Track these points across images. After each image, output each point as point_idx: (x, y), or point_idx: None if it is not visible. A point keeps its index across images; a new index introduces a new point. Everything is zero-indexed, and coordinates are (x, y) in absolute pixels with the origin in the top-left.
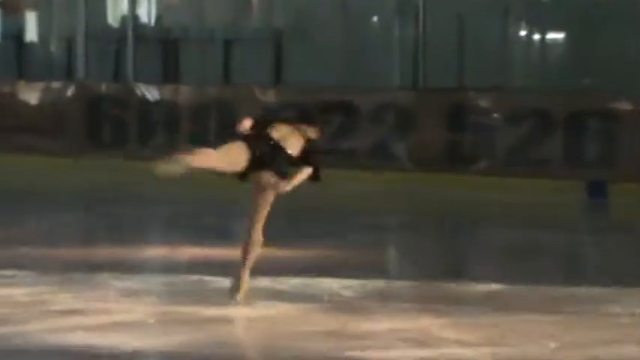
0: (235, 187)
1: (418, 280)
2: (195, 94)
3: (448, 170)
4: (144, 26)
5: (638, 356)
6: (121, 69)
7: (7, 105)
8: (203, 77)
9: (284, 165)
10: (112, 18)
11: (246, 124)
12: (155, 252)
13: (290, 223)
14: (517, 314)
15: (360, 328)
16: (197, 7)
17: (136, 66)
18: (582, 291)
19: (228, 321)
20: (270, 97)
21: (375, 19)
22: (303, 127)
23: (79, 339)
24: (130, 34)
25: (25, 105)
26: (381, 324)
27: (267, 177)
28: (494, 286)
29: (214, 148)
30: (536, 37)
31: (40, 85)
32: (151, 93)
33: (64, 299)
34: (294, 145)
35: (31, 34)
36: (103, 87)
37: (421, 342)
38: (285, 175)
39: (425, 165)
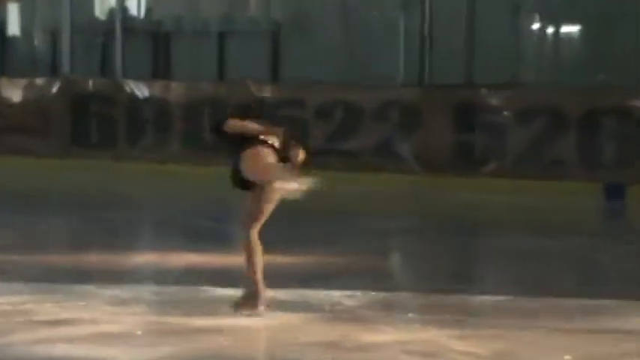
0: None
1: (424, 288)
2: (187, 90)
3: (456, 172)
4: (133, 18)
5: None
6: (108, 64)
7: None
8: (196, 73)
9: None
10: (99, 10)
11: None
12: (145, 258)
13: (290, 227)
14: (528, 325)
15: (363, 339)
16: None
17: (125, 61)
18: (597, 301)
19: (220, 332)
20: (266, 93)
21: (378, 11)
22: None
23: (63, 351)
24: (118, 26)
25: (7, 103)
26: (384, 335)
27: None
28: (504, 296)
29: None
30: (550, 30)
31: (23, 81)
32: (141, 90)
33: (49, 309)
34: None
35: (14, 27)
36: (90, 83)
37: (427, 354)
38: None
39: (431, 166)
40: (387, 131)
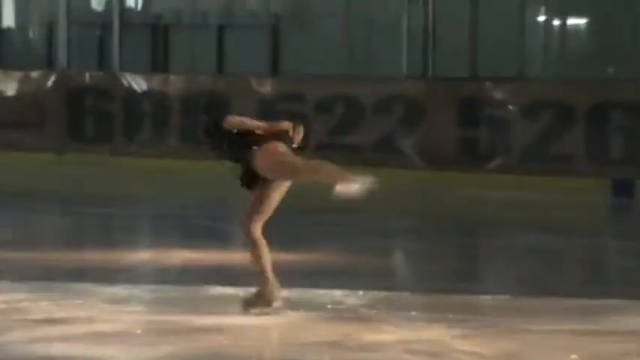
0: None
1: (427, 287)
2: (186, 84)
3: (460, 167)
4: (130, 11)
5: None
6: (105, 57)
7: None
8: (194, 66)
9: None
10: (96, 2)
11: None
12: (143, 256)
13: (292, 225)
14: (534, 325)
15: (365, 338)
16: None
17: (122, 54)
18: (602, 300)
19: (221, 331)
20: (266, 87)
21: (380, 2)
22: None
23: (59, 350)
24: (115, 19)
25: (2, 96)
26: (387, 334)
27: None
28: (510, 295)
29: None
30: (556, 22)
31: (18, 74)
32: (139, 83)
33: (45, 307)
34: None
35: (8, 19)
36: (87, 77)
37: (431, 354)
38: None
39: (435, 162)
40: (390, 126)
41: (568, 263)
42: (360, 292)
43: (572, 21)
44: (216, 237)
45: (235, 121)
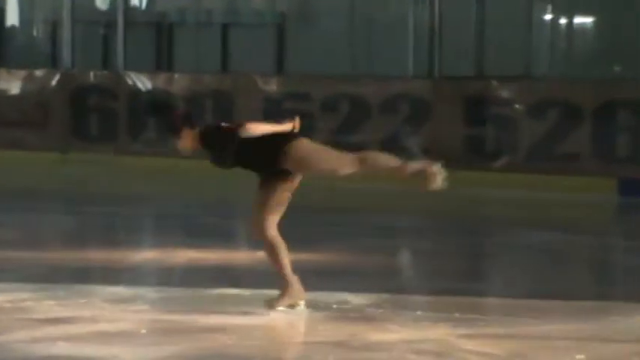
0: (229, 184)
1: (433, 287)
2: (190, 83)
3: (466, 166)
4: (135, 9)
5: None
6: (110, 56)
7: None
8: (199, 65)
9: None
10: (101, 1)
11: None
12: (147, 255)
13: (296, 224)
14: (540, 325)
15: (371, 338)
16: None
17: (127, 53)
18: (609, 300)
19: (225, 330)
20: (272, 86)
21: (385, 1)
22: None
23: (62, 350)
24: (120, 17)
25: (6, 95)
26: (393, 334)
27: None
28: (516, 295)
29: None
30: (563, 21)
31: (23, 73)
32: (143, 82)
33: (48, 307)
34: None
35: (13, 18)
36: (91, 76)
37: (437, 354)
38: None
39: (441, 161)
40: (396, 125)
41: (574, 263)
42: (366, 292)
43: (578, 20)
44: (221, 236)
45: (258, 128)
